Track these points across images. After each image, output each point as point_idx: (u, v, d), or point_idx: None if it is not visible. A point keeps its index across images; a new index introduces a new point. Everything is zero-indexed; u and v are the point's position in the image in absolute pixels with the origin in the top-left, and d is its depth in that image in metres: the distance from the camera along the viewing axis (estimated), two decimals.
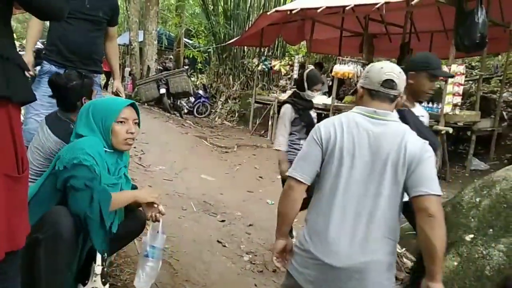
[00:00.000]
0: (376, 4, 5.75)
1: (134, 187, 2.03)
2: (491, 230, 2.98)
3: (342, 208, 1.52)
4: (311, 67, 2.74)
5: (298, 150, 2.75)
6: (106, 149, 1.80)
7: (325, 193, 1.57)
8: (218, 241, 3.49)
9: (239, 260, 3.26)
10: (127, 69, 12.97)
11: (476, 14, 5.30)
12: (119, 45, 17.86)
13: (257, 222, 4.06)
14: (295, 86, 3.49)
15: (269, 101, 8.56)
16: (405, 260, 3.41)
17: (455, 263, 2.94)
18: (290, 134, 3.28)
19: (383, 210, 1.50)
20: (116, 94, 3.36)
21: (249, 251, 3.41)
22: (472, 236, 3.02)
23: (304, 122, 3.26)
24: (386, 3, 5.63)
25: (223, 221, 3.93)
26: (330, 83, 8.45)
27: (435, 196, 1.45)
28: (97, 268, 1.71)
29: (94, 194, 1.60)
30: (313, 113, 3.43)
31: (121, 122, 1.81)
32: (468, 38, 5.37)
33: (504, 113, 7.59)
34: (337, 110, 7.08)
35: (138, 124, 1.93)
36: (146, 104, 9.67)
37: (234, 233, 3.72)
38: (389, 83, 1.58)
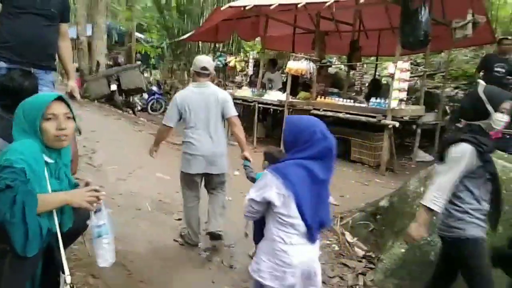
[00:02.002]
0: (327, 2, 5.89)
1: (76, 185, 1.95)
2: (434, 217, 3.18)
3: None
4: (482, 82, 2.13)
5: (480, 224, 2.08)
6: (44, 149, 1.73)
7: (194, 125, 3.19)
8: (174, 240, 3.45)
9: (197, 257, 3.25)
10: (75, 65, 12.39)
11: (419, 13, 5.60)
12: None
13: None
14: (462, 116, 2.21)
15: None
16: (356, 249, 3.55)
17: (402, 250, 3.11)
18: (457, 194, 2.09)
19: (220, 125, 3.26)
20: (71, 95, 3.23)
21: (206, 248, 3.40)
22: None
23: (489, 173, 2.06)
24: (336, 1, 5.79)
25: (179, 219, 3.88)
26: (285, 80, 8.57)
27: (235, 116, 3.26)
28: (67, 278, 1.67)
29: (17, 196, 1.52)
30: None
31: (49, 118, 1.72)
32: (412, 36, 5.67)
33: (447, 107, 8.08)
34: (292, 106, 7.21)
35: (74, 118, 1.84)
36: (96, 101, 9.29)
37: None
38: (204, 68, 3.21)
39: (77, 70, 11.38)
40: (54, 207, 1.70)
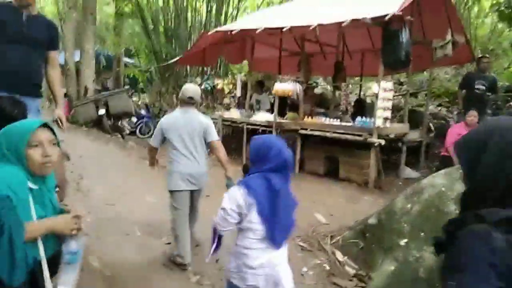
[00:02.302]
0: (311, 25, 6.06)
1: (61, 211, 1.95)
2: (422, 233, 3.22)
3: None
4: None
5: None
6: (28, 176, 1.73)
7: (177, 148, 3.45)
8: (164, 264, 3.42)
9: (187, 282, 3.22)
10: (63, 90, 12.39)
11: (400, 34, 5.78)
12: None
13: (206, 242, 4.03)
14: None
15: (214, 119, 8.59)
16: (347, 268, 3.55)
17: (392, 268, 3.13)
18: None
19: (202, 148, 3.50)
20: (57, 123, 3.22)
21: (197, 272, 3.37)
22: (405, 240, 3.25)
23: None
24: (319, 24, 5.96)
25: (168, 243, 3.86)
26: (273, 101, 8.68)
27: (217, 140, 3.54)
28: None
29: (5, 225, 1.52)
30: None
31: (34, 145, 1.72)
32: (394, 56, 5.83)
33: (431, 124, 8.26)
34: (280, 126, 7.29)
35: (58, 144, 1.84)
36: (84, 126, 9.27)
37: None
38: (190, 98, 3.51)
39: (65, 95, 11.39)
40: (40, 234, 1.70)
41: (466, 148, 1.12)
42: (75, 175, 5.36)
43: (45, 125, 1.79)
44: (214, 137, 3.51)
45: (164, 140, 3.51)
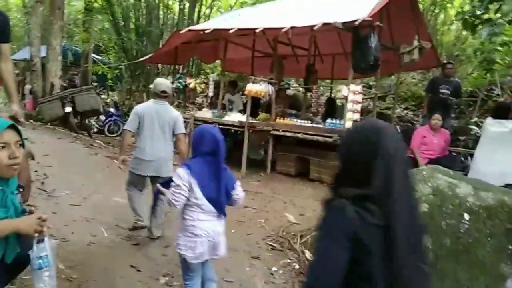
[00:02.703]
0: (283, 28, 6.12)
1: (23, 212, 1.89)
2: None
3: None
4: None
5: None
6: None
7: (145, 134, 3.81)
8: (131, 266, 3.36)
9: (155, 283, 3.18)
10: (28, 86, 11.91)
11: (369, 39, 5.94)
12: (18, 60, 16.43)
13: (174, 242, 3.99)
14: None
15: (186, 119, 8.49)
16: None
17: None
18: None
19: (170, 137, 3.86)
20: (15, 119, 3.09)
21: (166, 273, 3.34)
22: None
23: None
24: (292, 27, 6.03)
25: (137, 244, 3.79)
26: (245, 101, 8.70)
27: (183, 133, 3.87)
28: None
29: None
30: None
31: (1, 147, 1.68)
32: (363, 61, 5.98)
33: (397, 127, 8.52)
34: (252, 127, 7.31)
35: (23, 145, 1.80)
36: (49, 123, 8.95)
37: (150, 256, 3.61)
38: (163, 92, 3.86)
39: (31, 92, 10.96)
40: (4, 235, 1.65)
41: (342, 141, 1.46)
42: (40, 174, 5.17)
43: (11, 126, 1.75)
44: (182, 130, 3.91)
45: (139, 125, 3.81)
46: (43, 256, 1.74)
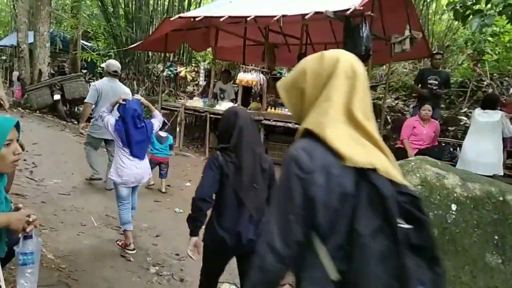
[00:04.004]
0: (275, 16, 6.07)
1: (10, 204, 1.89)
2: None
3: None
4: None
5: None
6: None
7: None
8: (122, 255, 3.36)
9: (145, 273, 3.18)
10: (15, 73, 11.70)
11: (361, 29, 5.91)
12: (5, 46, 16.05)
13: (165, 232, 4.00)
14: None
15: (176, 107, 8.44)
16: None
17: None
18: None
19: None
20: None
21: (156, 263, 3.35)
22: None
23: None
24: (283, 15, 5.98)
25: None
26: (237, 90, 8.65)
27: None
28: None
29: None
30: None
31: (7, 144, 1.71)
32: (354, 50, 5.95)
33: (388, 117, 8.56)
34: None
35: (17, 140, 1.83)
36: (38, 111, 8.81)
37: (140, 245, 3.61)
38: (115, 71, 4.85)
39: (18, 79, 10.75)
40: None
41: (221, 119, 2.34)
42: (28, 163, 5.11)
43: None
44: None
45: (98, 98, 4.75)
46: (28, 253, 1.74)
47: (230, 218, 2.12)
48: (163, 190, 5.21)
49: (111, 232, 3.81)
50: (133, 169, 3.38)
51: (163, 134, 5.27)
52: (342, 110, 1.10)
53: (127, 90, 4.91)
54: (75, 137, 7.25)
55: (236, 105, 7.30)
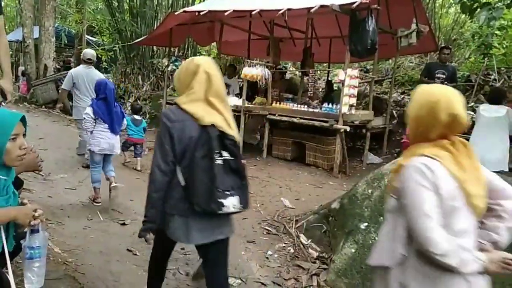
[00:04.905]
0: (280, 10, 6.03)
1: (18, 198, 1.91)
2: (381, 218, 3.35)
3: None
4: None
5: None
6: None
7: None
8: (128, 249, 3.38)
9: None
10: (21, 68, 11.75)
11: (367, 22, 5.86)
12: (11, 41, 16.13)
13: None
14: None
15: None
16: (310, 250, 3.66)
17: (353, 250, 3.25)
18: None
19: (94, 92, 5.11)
20: (2, 93, 3.00)
21: None
22: (366, 224, 3.37)
23: None
24: (288, 9, 5.94)
25: (127, 225, 3.81)
26: (242, 85, 8.64)
27: None
28: None
29: None
30: None
31: (13, 139, 1.71)
32: (360, 44, 5.92)
33: (394, 111, 8.50)
34: (248, 111, 7.28)
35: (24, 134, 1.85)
36: (44, 106, 8.87)
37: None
38: (89, 59, 5.59)
39: (24, 73, 10.80)
40: (4, 222, 1.67)
41: None
42: None
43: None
44: None
45: (73, 85, 5.44)
46: (35, 247, 1.75)
47: None
48: (138, 168, 5.80)
49: (118, 227, 3.84)
50: (108, 140, 4.16)
51: (138, 117, 5.99)
52: (202, 95, 2.00)
53: (101, 75, 5.57)
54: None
55: (241, 99, 7.29)
